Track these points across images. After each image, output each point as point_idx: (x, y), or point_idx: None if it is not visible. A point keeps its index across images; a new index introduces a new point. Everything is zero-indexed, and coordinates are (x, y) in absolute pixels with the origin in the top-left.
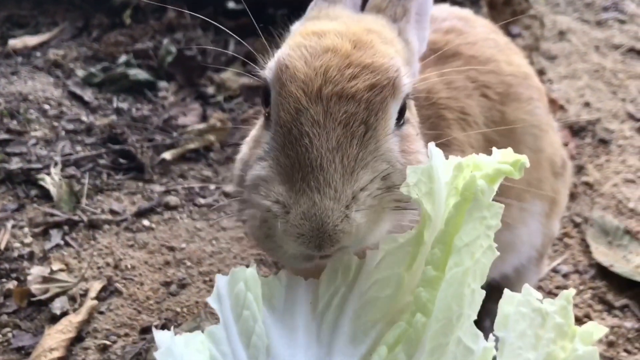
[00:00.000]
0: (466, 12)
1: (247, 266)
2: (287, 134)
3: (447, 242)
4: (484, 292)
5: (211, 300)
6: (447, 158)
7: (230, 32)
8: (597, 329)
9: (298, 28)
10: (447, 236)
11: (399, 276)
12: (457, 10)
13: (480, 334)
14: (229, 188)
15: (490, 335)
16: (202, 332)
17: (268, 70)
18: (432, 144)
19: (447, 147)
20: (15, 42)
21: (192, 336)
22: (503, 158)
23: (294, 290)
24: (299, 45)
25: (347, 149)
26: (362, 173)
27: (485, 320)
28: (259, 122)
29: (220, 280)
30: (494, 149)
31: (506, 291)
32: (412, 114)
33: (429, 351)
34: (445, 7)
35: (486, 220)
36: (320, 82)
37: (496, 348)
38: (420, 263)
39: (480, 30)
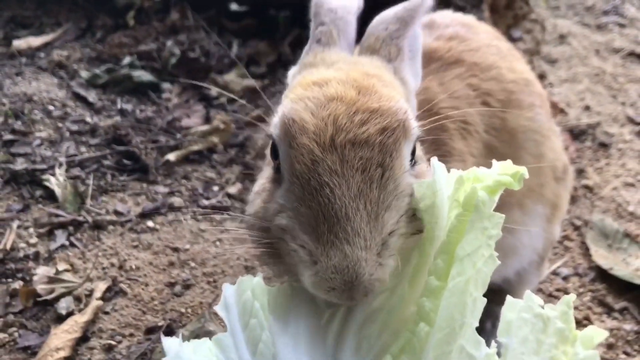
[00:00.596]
0: (469, 19)
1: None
2: (305, 185)
3: (450, 252)
4: (485, 300)
5: (219, 309)
6: (448, 169)
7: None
8: (597, 333)
9: (295, 77)
10: (449, 247)
11: (402, 287)
12: (460, 16)
13: (483, 340)
14: (232, 189)
15: (493, 342)
16: (209, 337)
17: (273, 126)
18: (434, 158)
19: (448, 157)
20: (19, 43)
21: (199, 343)
22: (503, 170)
23: (299, 299)
24: (302, 98)
25: (369, 194)
26: (387, 216)
27: (486, 322)
28: (266, 173)
29: (227, 289)
30: (494, 161)
31: (509, 298)
32: (419, 149)
33: (432, 359)
34: (448, 14)
35: (487, 231)
36: (331, 131)
37: (499, 354)
38: (424, 274)
39: (482, 37)
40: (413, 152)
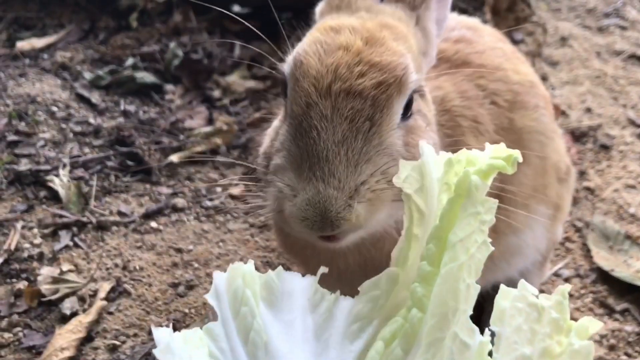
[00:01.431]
0: (474, 21)
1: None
2: (298, 126)
3: (442, 237)
4: (479, 287)
5: (209, 297)
6: None
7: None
8: (592, 323)
9: (323, 15)
10: (441, 232)
11: (393, 272)
12: (465, 19)
13: (476, 328)
14: (235, 191)
15: (486, 330)
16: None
17: (287, 64)
18: (423, 142)
19: None
20: (22, 44)
21: (190, 333)
22: (495, 153)
23: (291, 286)
24: (316, 41)
25: (352, 143)
26: (365, 167)
27: (487, 321)
28: (280, 113)
29: (218, 277)
30: (486, 144)
31: (502, 286)
32: (426, 106)
33: (425, 346)
34: (454, 16)
35: (480, 216)
36: (330, 79)
37: (492, 343)
38: (415, 258)
39: (488, 39)
40: (409, 105)
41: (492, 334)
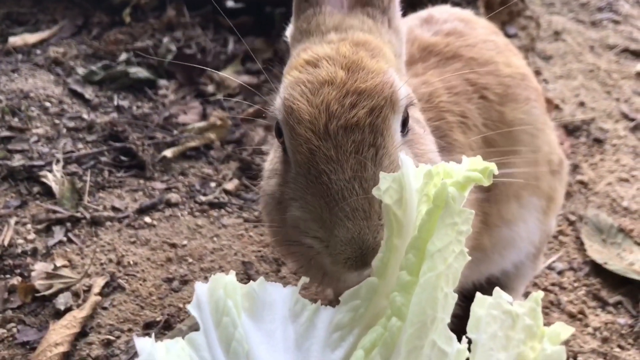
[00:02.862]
0: (467, 14)
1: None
2: (307, 173)
3: (421, 247)
4: (456, 296)
5: (191, 308)
6: (450, 160)
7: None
8: (564, 329)
9: (294, 45)
10: (420, 242)
11: (373, 282)
12: (458, 11)
13: (454, 336)
14: (229, 185)
15: (464, 338)
16: (182, 336)
17: (278, 110)
18: (402, 154)
19: (450, 148)
20: (15, 40)
21: (172, 342)
22: (472, 166)
23: (272, 296)
24: (299, 82)
25: (364, 173)
26: None
27: None
28: (276, 151)
29: (199, 287)
30: (463, 157)
31: (478, 294)
32: (416, 107)
33: (404, 354)
34: (447, 9)
35: (457, 226)
36: (325, 119)
37: (469, 350)
38: (395, 268)
39: (480, 32)
40: (405, 122)
41: (469, 341)
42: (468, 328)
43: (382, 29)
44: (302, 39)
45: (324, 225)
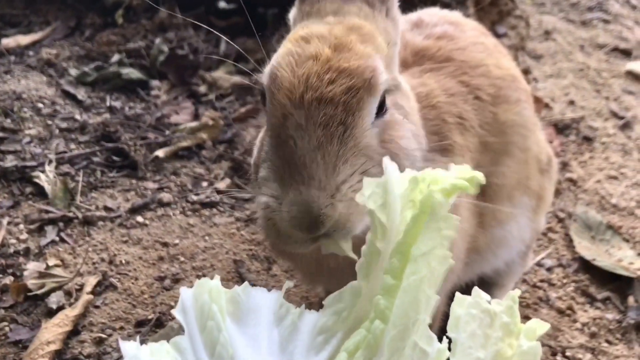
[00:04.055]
0: (456, 16)
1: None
2: (277, 137)
3: (405, 252)
4: (438, 298)
5: (176, 312)
6: (450, 162)
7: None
8: (540, 325)
9: (295, 23)
10: (405, 247)
11: (357, 286)
12: (447, 14)
13: (435, 336)
14: (221, 185)
15: (444, 337)
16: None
17: (265, 76)
18: (386, 159)
19: (450, 150)
20: (7, 41)
21: (157, 346)
22: (460, 174)
23: (257, 301)
24: (288, 53)
25: (328, 147)
26: (343, 168)
27: None
28: (264, 124)
29: (184, 292)
30: (451, 164)
31: (457, 294)
32: (403, 96)
33: (387, 356)
34: (435, 12)
35: (442, 231)
36: (302, 90)
37: (449, 349)
38: (379, 272)
39: (470, 34)
40: (382, 104)
41: (449, 340)
42: (448, 327)
43: (378, 17)
44: (302, 19)
45: (282, 185)
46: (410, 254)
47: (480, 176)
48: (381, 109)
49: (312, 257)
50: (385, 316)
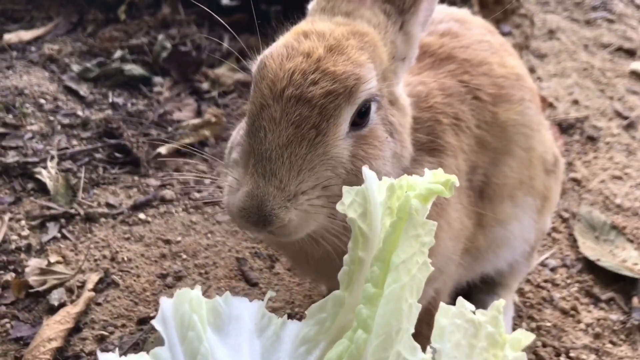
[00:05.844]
0: (463, 13)
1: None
2: (251, 125)
3: (385, 259)
4: (420, 306)
5: (156, 322)
6: (441, 163)
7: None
8: (525, 335)
9: (312, 13)
10: (385, 254)
11: (339, 295)
12: (454, 11)
13: (418, 346)
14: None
15: (428, 347)
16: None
17: (254, 64)
18: (365, 167)
19: (442, 151)
20: (10, 37)
21: (137, 357)
22: (434, 178)
23: (238, 310)
24: (284, 45)
25: (296, 149)
26: (307, 175)
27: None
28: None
29: (164, 302)
30: (425, 169)
31: (442, 304)
32: (398, 111)
33: None
34: (442, 8)
35: (421, 238)
36: (284, 84)
37: (434, 359)
38: (361, 282)
39: (475, 32)
40: (364, 115)
41: (433, 350)
42: (432, 337)
43: (390, 29)
44: (316, 12)
45: (245, 173)
46: (390, 262)
47: (454, 179)
48: (362, 120)
49: (298, 247)
50: (368, 326)
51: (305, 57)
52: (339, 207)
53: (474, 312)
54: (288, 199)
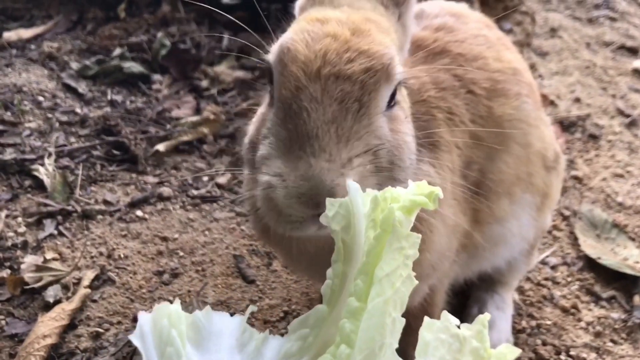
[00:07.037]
0: (460, 8)
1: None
2: (287, 109)
3: (369, 273)
4: (404, 320)
5: (134, 338)
6: (436, 159)
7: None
8: (510, 350)
9: (304, 9)
10: (368, 267)
11: (322, 310)
12: (450, 5)
13: None
14: (221, 179)
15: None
16: None
17: (272, 54)
18: (349, 180)
19: (437, 146)
20: (9, 35)
21: None
22: (418, 190)
23: (218, 326)
24: (302, 30)
25: (342, 122)
26: (356, 144)
27: (473, 307)
28: (265, 101)
29: (143, 317)
30: (409, 181)
31: (426, 318)
32: (403, 99)
33: None
34: (439, 3)
35: (404, 250)
36: (319, 64)
37: None
38: (344, 296)
39: (471, 27)
40: (393, 95)
41: None
42: (416, 352)
43: (391, 19)
44: (313, 6)
45: (288, 160)
46: (374, 275)
47: (438, 191)
48: (392, 100)
49: (294, 242)
50: (351, 340)
51: (332, 39)
52: (322, 219)
53: (458, 327)
54: (343, 166)
